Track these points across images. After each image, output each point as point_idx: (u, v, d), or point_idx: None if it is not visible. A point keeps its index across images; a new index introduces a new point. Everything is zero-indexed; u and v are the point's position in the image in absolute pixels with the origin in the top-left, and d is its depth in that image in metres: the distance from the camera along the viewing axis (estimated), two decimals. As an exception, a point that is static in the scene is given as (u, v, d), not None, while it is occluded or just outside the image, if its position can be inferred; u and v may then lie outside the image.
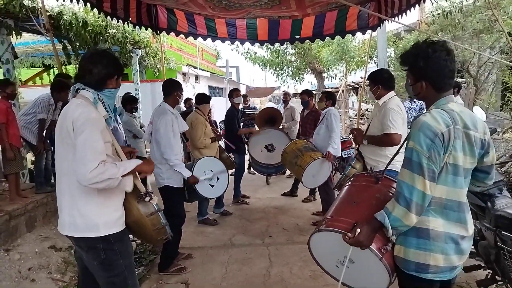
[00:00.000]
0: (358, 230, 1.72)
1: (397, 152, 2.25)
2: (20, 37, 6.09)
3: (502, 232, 2.47)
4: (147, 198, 2.09)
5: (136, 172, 2.08)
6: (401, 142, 3.24)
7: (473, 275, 3.13)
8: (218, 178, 4.12)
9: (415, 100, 7.77)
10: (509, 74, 6.72)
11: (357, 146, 3.73)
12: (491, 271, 2.78)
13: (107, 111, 2.05)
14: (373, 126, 3.49)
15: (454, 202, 1.72)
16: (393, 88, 3.49)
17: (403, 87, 11.10)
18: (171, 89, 3.71)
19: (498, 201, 2.69)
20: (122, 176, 1.91)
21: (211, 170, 4.07)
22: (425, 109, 1.86)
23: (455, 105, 1.75)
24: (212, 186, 4.07)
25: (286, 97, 7.81)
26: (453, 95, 1.81)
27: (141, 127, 6.62)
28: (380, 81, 3.43)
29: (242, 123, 7.05)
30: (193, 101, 6.53)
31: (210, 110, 6.61)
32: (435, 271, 1.70)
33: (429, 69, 1.73)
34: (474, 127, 1.72)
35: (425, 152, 1.62)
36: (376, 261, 1.76)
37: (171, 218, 3.72)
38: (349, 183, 2.27)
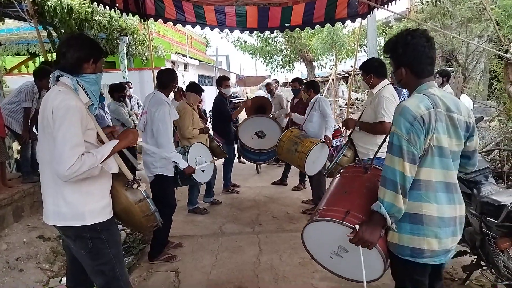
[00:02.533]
0: (357, 226, 1.73)
1: (384, 140, 2.26)
2: (3, 24, 5.94)
3: (487, 218, 2.51)
4: (135, 185, 2.07)
5: (122, 161, 2.05)
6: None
7: (459, 260, 3.19)
8: (205, 162, 4.13)
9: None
10: (496, 63, 6.78)
11: (349, 133, 3.74)
12: (476, 257, 2.84)
13: (90, 98, 1.99)
14: (366, 114, 3.48)
15: (442, 183, 1.76)
16: (386, 76, 3.47)
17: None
18: (166, 79, 3.67)
19: (484, 188, 2.73)
20: (101, 162, 1.88)
21: (200, 156, 4.06)
22: None
23: (436, 89, 1.80)
24: (202, 171, 4.07)
25: (269, 87, 7.81)
26: (434, 81, 1.86)
27: (129, 116, 6.56)
28: (372, 70, 3.41)
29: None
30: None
31: (201, 100, 6.55)
32: (430, 255, 1.74)
33: (408, 55, 1.79)
34: (457, 110, 1.76)
35: (404, 135, 1.67)
36: (370, 250, 1.77)
37: (162, 207, 3.73)
38: (339, 175, 2.29)
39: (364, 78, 3.49)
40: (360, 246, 1.74)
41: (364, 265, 1.79)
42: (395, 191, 1.67)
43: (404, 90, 8.05)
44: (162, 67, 11.94)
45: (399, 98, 6.74)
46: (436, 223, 1.73)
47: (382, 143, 2.24)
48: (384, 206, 1.70)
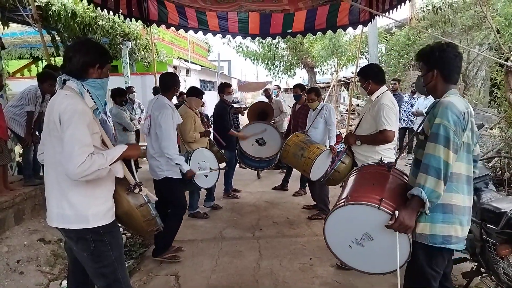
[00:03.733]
0: (397, 212, 1.84)
1: (407, 145, 2.38)
2: (7, 28, 5.98)
3: (487, 225, 2.52)
4: (137, 190, 2.08)
5: (125, 165, 2.07)
6: (397, 136, 3.33)
7: (459, 267, 3.19)
8: (210, 168, 4.16)
9: (414, 96, 7.95)
10: (497, 71, 6.81)
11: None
12: (476, 264, 2.83)
13: (95, 102, 2.02)
14: (365, 121, 3.42)
15: (466, 176, 1.96)
16: (384, 83, 3.41)
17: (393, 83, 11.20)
18: (169, 83, 3.73)
19: (484, 195, 2.74)
20: (110, 165, 1.91)
21: (204, 161, 4.09)
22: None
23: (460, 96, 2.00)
24: (206, 176, 4.10)
25: (267, 92, 7.98)
26: (457, 90, 2.05)
27: (131, 120, 6.59)
28: (371, 76, 3.35)
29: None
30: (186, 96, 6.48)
31: (203, 103, 6.57)
32: (456, 241, 1.93)
33: (443, 59, 2.03)
34: (473, 117, 1.97)
35: (452, 126, 1.83)
36: (401, 238, 1.86)
37: (174, 208, 3.77)
38: (358, 171, 2.37)
39: (362, 84, 3.42)
40: (398, 232, 1.84)
41: (389, 254, 1.88)
42: (438, 177, 1.81)
43: (404, 96, 8.10)
44: (164, 72, 12.01)
45: (399, 105, 6.68)
46: (462, 211, 1.92)
47: (404, 149, 2.38)
48: (425, 191, 1.82)
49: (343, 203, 1.98)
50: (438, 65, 2.02)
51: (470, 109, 1.94)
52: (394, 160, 2.46)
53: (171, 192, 3.71)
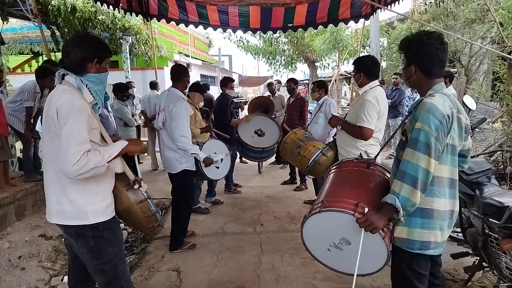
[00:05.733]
0: (366, 209, 1.79)
1: (386, 143, 2.29)
2: (7, 23, 5.95)
3: (490, 219, 2.50)
4: (136, 186, 2.07)
5: (124, 161, 2.06)
6: (392, 133, 3.26)
7: (460, 262, 3.19)
8: (221, 160, 4.16)
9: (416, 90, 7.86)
10: (499, 64, 6.76)
11: (335, 133, 3.70)
12: (478, 258, 2.83)
13: (94, 97, 1.99)
14: (349, 116, 3.38)
15: (450, 179, 1.85)
16: (377, 77, 3.30)
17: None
18: (181, 74, 3.73)
19: (487, 189, 2.72)
20: (108, 162, 1.89)
21: (215, 153, 4.08)
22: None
23: (447, 91, 1.87)
24: (217, 168, 4.11)
25: (270, 87, 7.90)
26: (443, 83, 1.91)
27: (132, 115, 6.57)
28: (363, 69, 3.24)
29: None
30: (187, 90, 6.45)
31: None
32: (434, 246, 1.85)
33: (421, 54, 1.84)
34: (462, 112, 1.85)
35: (434, 132, 1.71)
36: (378, 241, 1.82)
37: (185, 200, 3.83)
38: (337, 168, 2.31)
39: (355, 75, 3.34)
40: (363, 229, 1.78)
41: (367, 257, 1.85)
42: (414, 186, 1.73)
43: (406, 90, 8.04)
44: (165, 67, 11.97)
45: (400, 100, 6.60)
46: (442, 216, 1.83)
47: (384, 145, 2.27)
48: (399, 199, 1.75)
49: (318, 209, 1.92)
50: (417, 60, 1.87)
51: (457, 106, 1.81)
52: (374, 156, 2.36)
53: (185, 184, 3.76)
